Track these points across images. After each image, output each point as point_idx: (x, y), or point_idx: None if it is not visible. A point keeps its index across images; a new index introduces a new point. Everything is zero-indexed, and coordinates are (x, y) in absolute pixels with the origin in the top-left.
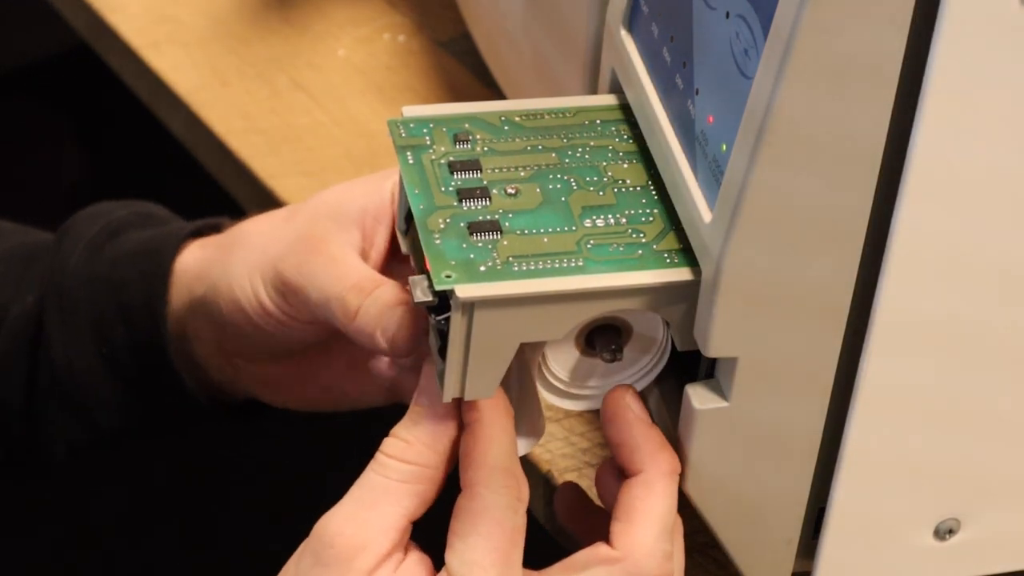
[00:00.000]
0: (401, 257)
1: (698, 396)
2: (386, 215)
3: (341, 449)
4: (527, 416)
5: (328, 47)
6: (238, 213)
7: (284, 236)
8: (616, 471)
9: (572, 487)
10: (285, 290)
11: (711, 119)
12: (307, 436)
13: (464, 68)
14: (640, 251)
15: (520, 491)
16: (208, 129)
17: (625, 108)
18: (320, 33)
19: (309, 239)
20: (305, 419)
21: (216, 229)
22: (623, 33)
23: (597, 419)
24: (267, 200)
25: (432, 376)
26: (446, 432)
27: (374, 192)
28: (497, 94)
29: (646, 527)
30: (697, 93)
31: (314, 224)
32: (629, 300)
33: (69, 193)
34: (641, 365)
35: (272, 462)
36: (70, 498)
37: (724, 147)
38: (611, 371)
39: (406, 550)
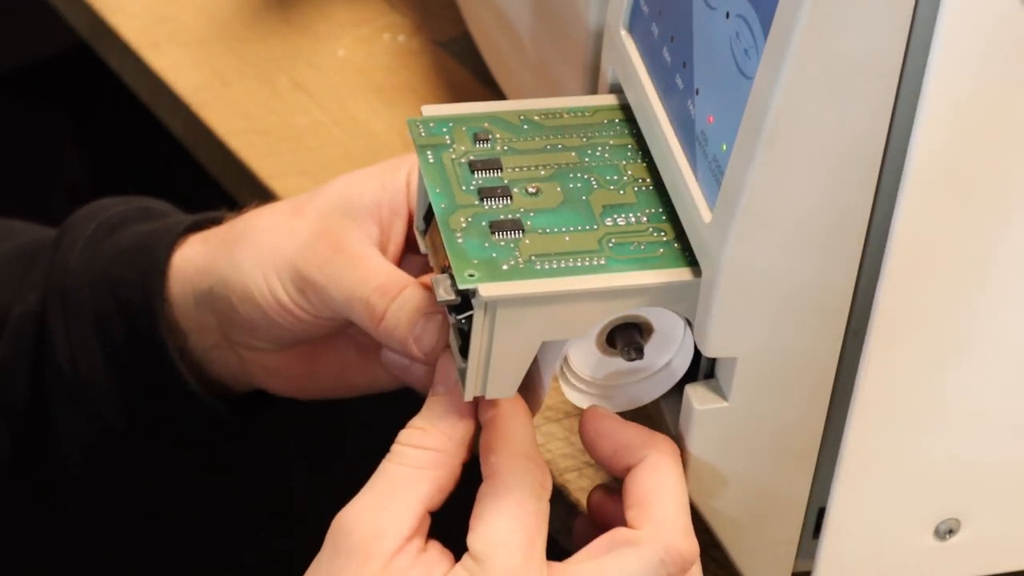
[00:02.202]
0: (419, 248)
1: (698, 396)
2: (402, 207)
3: (346, 447)
4: (524, 393)
5: (328, 47)
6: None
7: (296, 231)
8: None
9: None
10: (306, 288)
11: (711, 119)
12: (309, 433)
13: (464, 68)
14: (661, 249)
15: (543, 478)
16: (208, 129)
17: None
18: (320, 33)
19: (326, 235)
20: (307, 416)
21: (216, 221)
22: (623, 33)
23: None
24: (267, 200)
25: (449, 364)
26: (463, 419)
27: (387, 184)
28: (497, 94)
29: (662, 503)
30: (697, 93)
31: (327, 219)
32: (651, 298)
33: (69, 193)
34: (662, 364)
35: (273, 461)
36: (71, 496)
37: (724, 147)
38: (632, 370)
39: (427, 542)
